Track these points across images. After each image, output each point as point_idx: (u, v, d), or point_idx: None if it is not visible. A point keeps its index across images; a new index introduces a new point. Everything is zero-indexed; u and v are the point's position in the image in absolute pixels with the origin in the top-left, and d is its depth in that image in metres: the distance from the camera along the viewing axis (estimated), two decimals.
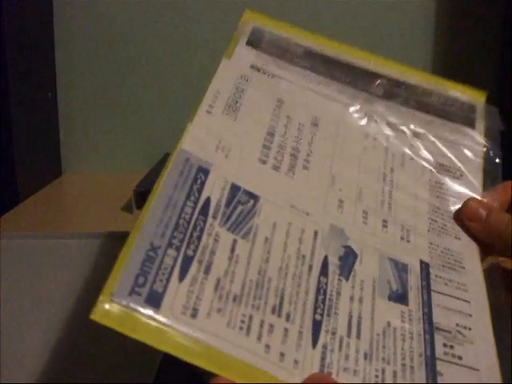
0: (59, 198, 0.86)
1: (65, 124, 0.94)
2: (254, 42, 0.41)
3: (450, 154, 0.40)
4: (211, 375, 0.24)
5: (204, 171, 0.32)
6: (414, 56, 0.92)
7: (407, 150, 0.40)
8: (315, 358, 0.27)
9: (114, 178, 0.91)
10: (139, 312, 0.25)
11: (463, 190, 0.38)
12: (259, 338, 0.26)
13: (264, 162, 0.35)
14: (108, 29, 0.91)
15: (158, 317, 0.25)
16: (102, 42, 0.91)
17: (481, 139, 0.41)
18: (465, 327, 0.32)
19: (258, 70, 0.40)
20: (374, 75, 0.43)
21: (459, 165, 0.40)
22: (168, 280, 0.26)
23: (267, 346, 0.26)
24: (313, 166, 0.36)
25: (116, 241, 0.62)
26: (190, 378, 0.36)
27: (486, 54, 0.91)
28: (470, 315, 0.32)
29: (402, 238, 0.35)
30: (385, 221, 0.35)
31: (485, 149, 0.40)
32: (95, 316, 0.24)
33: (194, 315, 0.26)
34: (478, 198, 0.37)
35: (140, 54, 0.92)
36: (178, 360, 0.24)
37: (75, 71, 0.92)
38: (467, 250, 0.36)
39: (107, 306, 0.24)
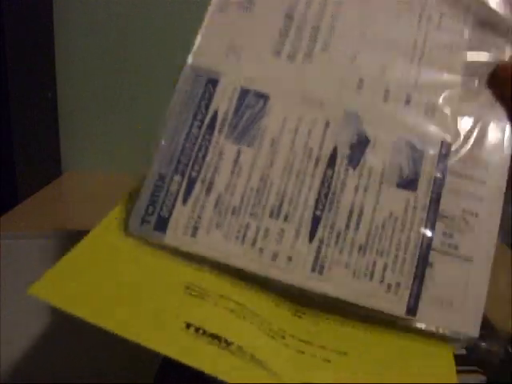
0: (59, 197, 0.86)
1: (65, 124, 0.94)
2: None
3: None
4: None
5: (213, 82, 0.31)
6: None
7: (446, 9, 0.33)
8: (310, 253, 0.28)
9: (114, 178, 0.91)
10: (149, 238, 0.27)
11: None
12: (253, 243, 0.28)
13: (278, 54, 0.32)
14: (108, 29, 0.91)
15: (164, 241, 0.27)
16: (102, 42, 0.91)
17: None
18: (471, 213, 0.30)
19: None
20: None
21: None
22: (173, 205, 0.28)
23: (261, 250, 0.28)
24: (333, 44, 0.33)
25: None
26: (190, 378, 0.36)
27: None
28: (481, 199, 0.31)
29: (426, 113, 0.32)
30: (409, 96, 0.32)
31: None
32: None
33: (194, 234, 0.28)
34: None
35: (140, 53, 0.91)
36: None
37: (75, 71, 0.92)
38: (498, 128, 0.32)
39: (122, 238, 0.27)
